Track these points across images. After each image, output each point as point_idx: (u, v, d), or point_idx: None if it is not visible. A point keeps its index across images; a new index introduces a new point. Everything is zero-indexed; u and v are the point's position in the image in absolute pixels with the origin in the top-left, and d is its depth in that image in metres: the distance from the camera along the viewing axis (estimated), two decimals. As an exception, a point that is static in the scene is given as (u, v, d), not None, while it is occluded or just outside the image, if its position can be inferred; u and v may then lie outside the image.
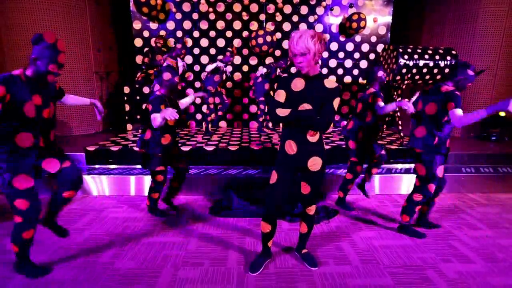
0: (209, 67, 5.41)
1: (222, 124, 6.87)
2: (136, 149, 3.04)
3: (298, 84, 2.00)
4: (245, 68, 6.74)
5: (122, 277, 2.26)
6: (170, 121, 2.91)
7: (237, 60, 6.78)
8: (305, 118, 1.95)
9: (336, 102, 1.97)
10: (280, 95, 2.02)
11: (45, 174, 2.18)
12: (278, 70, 5.80)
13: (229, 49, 5.59)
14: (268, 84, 5.76)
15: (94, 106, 2.58)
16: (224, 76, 5.78)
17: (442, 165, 2.76)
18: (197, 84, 6.64)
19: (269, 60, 6.87)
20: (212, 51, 6.67)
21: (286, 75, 4.99)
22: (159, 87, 2.96)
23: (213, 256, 2.57)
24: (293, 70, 6.84)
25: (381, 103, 3.15)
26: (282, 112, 1.97)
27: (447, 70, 4.73)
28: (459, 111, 2.44)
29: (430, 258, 2.56)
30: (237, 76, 6.81)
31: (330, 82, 1.99)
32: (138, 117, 6.09)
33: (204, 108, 6.67)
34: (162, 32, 6.45)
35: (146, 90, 6.01)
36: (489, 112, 2.22)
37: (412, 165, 4.44)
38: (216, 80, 5.55)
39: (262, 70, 5.73)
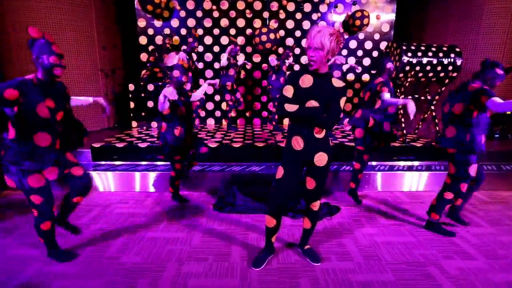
0: (223, 60, 5.54)
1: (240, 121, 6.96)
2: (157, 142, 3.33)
3: (306, 81, 2.02)
4: (248, 66, 6.76)
5: (127, 271, 2.30)
6: (180, 112, 3.18)
7: (240, 57, 6.79)
8: (311, 115, 1.98)
9: (342, 101, 2.01)
10: (288, 91, 2.04)
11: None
12: (290, 60, 5.81)
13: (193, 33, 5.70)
14: (283, 77, 5.73)
15: (98, 103, 2.68)
16: (239, 71, 5.93)
17: (475, 164, 2.75)
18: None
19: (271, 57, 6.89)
20: (216, 48, 6.70)
21: (297, 69, 4.97)
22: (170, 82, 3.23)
23: (217, 251, 2.61)
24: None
25: (387, 94, 3.20)
26: (290, 107, 1.99)
27: (450, 68, 4.72)
28: (496, 99, 2.45)
29: (432, 255, 2.58)
30: (257, 74, 6.90)
31: (338, 82, 2.03)
32: (143, 114, 6.14)
33: (224, 106, 6.75)
34: (167, 30, 6.49)
35: (150, 87, 6.05)
36: None
37: (416, 163, 4.46)
38: (231, 74, 5.62)
39: (273, 60, 5.72)
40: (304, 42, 6.83)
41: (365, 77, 7.06)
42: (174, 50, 6.36)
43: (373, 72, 7.04)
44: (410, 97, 2.67)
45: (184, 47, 5.58)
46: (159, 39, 6.54)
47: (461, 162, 2.72)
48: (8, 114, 2.02)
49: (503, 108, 2.40)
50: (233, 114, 6.21)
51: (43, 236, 2.35)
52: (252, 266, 2.36)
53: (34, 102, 1.98)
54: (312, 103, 2.00)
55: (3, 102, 1.89)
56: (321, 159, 2.12)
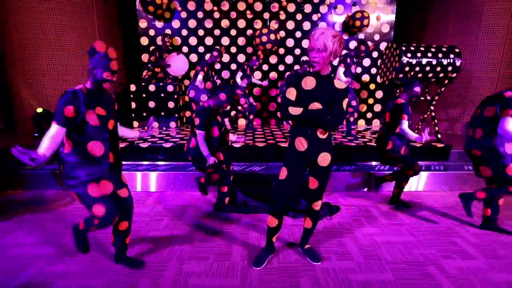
0: (239, 79, 5.71)
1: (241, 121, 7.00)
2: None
3: (308, 83, 2.04)
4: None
5: (128, 271, 2.31)
6: (212, 133, 3.15)
7: (241, 58, 6.83)
8: (316, 118, 2.00)
9: (345, 103, 2.03)
10: (291, 93, 2.06)
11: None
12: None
13: (217, 47, 5.76)
14: None
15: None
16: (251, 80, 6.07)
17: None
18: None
19: (273, 59, 6.91)
20: (217, 49, 6.72)
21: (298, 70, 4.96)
22: (206, 98, 3.11)
23: (218, 250, 2.62)
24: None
25: (405, 123, 3.15)
26: (294, 110, 2.01)
27: (450, 68, 4.74)
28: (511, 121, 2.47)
29: (432, 254, 2.59)
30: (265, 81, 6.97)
31: (340, 83, 2.04)
32: (144, 114, 6.16)
33: (232, 113, 6.90)
34: (168, 31, 6.52)
35: (152, 88, 6.07)
36: None
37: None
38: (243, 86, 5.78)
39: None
40: (304, 43, 6.86)
41: (365, 78, 7.08)
42: (175, 50, 6.39)
43: (373, 78, 7.06)
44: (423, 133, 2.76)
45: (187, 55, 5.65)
46: (160, 40, 6.56)
47: (490, 163, 2.72)
48: None
49: (503, 132, 2.50)
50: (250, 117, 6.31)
51: (87, 230, 2.20)
52: (253, 266, 2.38)
53: (84, 112, 1.96)
54: (316, 105, 2.02)
55: (67, 122, 1.88)
56: (324, 159, 2.14)
